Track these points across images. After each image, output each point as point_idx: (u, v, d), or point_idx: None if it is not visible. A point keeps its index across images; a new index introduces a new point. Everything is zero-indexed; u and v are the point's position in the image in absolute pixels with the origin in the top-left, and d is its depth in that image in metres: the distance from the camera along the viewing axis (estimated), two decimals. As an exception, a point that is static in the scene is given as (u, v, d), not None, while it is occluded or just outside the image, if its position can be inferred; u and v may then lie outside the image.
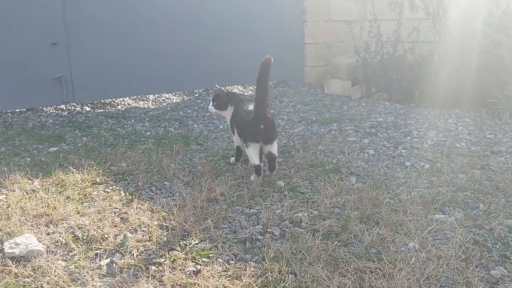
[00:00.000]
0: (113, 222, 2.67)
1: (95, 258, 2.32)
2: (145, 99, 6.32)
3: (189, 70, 6.24)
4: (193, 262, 2.29)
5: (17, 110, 5.35)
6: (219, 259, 2.32)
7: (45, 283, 2.10)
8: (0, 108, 5.20)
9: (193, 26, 6.26)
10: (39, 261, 2.25)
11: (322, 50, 7.46)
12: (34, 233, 2.51)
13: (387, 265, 2.20)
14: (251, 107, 3.34)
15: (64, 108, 5.59)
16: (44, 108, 5.50)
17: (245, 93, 6.88)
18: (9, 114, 5.25)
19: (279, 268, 2.20)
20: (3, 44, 5.02)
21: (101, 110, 5.67)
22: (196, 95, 6.61)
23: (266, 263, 2.23)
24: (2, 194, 3.06)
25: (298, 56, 7.41)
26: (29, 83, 5.25)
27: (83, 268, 2.22)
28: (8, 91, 5.14)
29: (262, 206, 2.91)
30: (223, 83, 6.88)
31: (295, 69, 7.44)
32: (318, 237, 2.49)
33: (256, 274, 2.17)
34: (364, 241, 2.45)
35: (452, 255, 2.27)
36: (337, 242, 2.46)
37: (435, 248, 2.36)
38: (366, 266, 2.20)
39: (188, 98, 6.50)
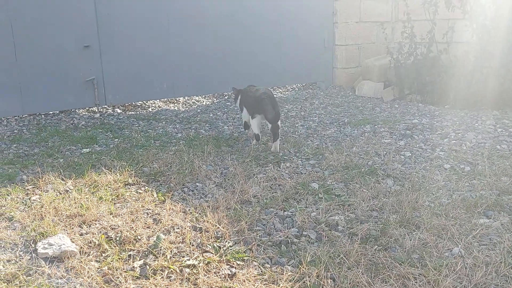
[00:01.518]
0: (146, 223, 2.64)
1: (128, 259, 2.28)
2: (175, 101, 6.32)
3: (219, 72, 6.21)
4: (228, 265, 2.23)
5: (51, 112, 5.41)
6: (254, 262, 2.25)
7: (78, 285, 2.08)
8: (34, 110, 5.27)
9: (224, 28, 6.23)
10: (72, 262, 2.23)
11: (353, 52, 7.34)
12: (67, 233, 2.50)
13: (432, 271, 2.09)
14: (257, 88, 4.22)
15: (96, 110, 5.63)
16: (77, 111, 5.55)
17: (275, 95, 6.80)
18: (43, 116, 5.31)
19: (317, 273, 2.11)
20: (37, 48, 5.08)
21: (132, 112, 5.68)
22: (226, 97, 6.58)
23: (303, 267, 2.15)
24: (36, 194, 3.07)
25: (328, 57, 7.31)
26: (62, 86, 5.31)
27: (116, 270, 2.18)
28: (42, 93, 5.20)
29: (296, 208, 2.83)
30: (254, 85, 6.87)
31: (325, 71, 7.34)
32: (356, 241, 2.39)
33: (294, 279, 2.10)
34: (405, 246, 2.35)
35: (501, 262, 2.15)
36: (376, 246, 2.36)
37: (482, 254, 2.24)
38: (409, 272, 2.10)
39: (218, 100, 6.48)
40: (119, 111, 5.73)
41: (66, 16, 5.20)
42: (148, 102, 6.14)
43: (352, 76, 7.39)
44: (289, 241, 2.45)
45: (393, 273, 2.10)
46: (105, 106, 5.72)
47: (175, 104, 6.23)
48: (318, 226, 2.61)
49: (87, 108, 5.62)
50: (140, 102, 6.04)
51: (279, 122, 3.97)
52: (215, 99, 6.53)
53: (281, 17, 6.67)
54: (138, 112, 5.71)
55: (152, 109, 5.91)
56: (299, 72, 7.06)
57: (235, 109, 5.69)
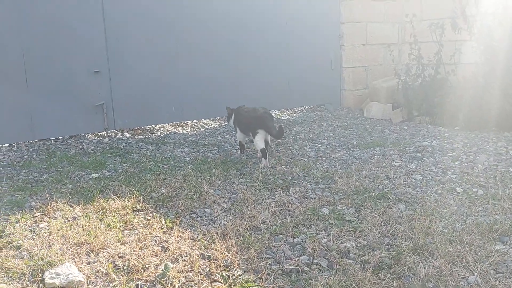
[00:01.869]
0: (153, 251, 2.60)
1: (136, 289, 2.25)
2: (184, 124, 6.34)
3: (227, 95, 6.23)
4: (238, 294, 2.19)
5: (60, 137, 5.43)
6: (265, 292, 2.20)
7: (86, 316, 2.04)
8: (44, 136, 5.29)
9: (232, 51, 6.27)
10: (80, 292, 2.20)
11: (360, 74, 7.35)
12: (75, 262, 2.47)
13: (447, 301, 2.03)
14: (254, 108, 4.51)
15: (105, 134, 5.65)
16: (86, 135, 5.57)
17: (282, 118, 6.81)
18: (52, 141, 5.33)
19: (329, 303, 2.06)
20: (48, 74, 5.13)
21: (141, 137, 5.69)
22: (234, 120, 6.57)
23: (314, 297, 2.11)
24: (44, 221, 3.05)
25: (335, 79, 7.33)
26: (72, 111, 5.34)
27: (124, 300, 2.14)
28: (52, 119, 5.23)
29: (306, 235, 2.79)
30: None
31: (333, 93, 7.34)
32: (369, 269, 2.34)
33: (305, 309, 2.04)
34: (419, 274, 2.29)
35: (519, 291, 2.09)
36: (389, 275, 2.30)
37: (499, 282, 2.18)
38: (423, 302, 2.04)
39: (226, 123, 6.47)
40: (128, 135, 5.75)
41: (76, 42, 5.26)
42: (157, 126, 6.15)
43: (360, 97, 7.38)
44: (300, 270, 2.40)
45: (407, 303, 2.04)
46: (114, 130, 5.74)
47: (184, 128, 6.24)
48: (329, 253, 2.56)
49: (96, 132, 5.64)
50: (149, 126, 6.06)
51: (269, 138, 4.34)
52: (223, 122, 6.53)
53: (287, 40, 6.71)
54: (146, 136, 5.72)
55: (160, 133, 5.92)
56: (306, 94, 7.07)
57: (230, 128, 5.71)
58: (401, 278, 2.29)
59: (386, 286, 2.20)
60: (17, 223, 3.00)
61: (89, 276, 2.33)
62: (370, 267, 2.37)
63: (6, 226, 2.94)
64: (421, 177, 3.79)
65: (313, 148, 4.96)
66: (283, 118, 6.82)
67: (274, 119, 4.44)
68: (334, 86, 7.34)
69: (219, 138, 5.56)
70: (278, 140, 4.60)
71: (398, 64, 7.16)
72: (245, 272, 2.38)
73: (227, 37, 6.20)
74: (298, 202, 3.33)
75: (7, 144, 5.15)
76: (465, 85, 6.09)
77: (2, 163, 4.54)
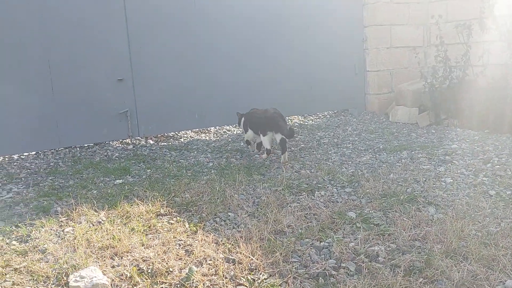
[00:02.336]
0: (177, 255, 2.57)
1: (160, 293, 2.21)
2: (206, 131, 6.33)
3: (249, 101, 6.17)
4: (263, 299, 2.13)
5: (85, 145, 5.48)
6: (291, 296, 2.14)
7: (110, 319, 2.01)
8: (70, 143, 5.35)
9: (254, 57, 6.25)
10: (104, 295, 2.17)
11: (385, 77, 7.23)
12: (99, 265, 2.45)
13: (484, 306, 1.94)
14: (265, 109, 4.77)
15: (129, 142, 5.68)
16: (111, 142, 5.61)
17: (305, 123, 6.73)
18: (78, 149, 5.38)
19: (358, 308, 1.99)
20: (73, 82, 5.19)
21: (165, 143, 5.70)
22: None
23: (343, 301, 2.03)
24: (69, 226, 3.05)
25: (360, 84, 7.23)
26: (96, 119, 5.39)
27: (148, 304, 2.11)
28: (78, 126, 5.28)
29: (333, 239, 2.71)
30: (283, 113, 6.82)
31: (357, 97, 7.25)
32: (399, 273, 2.25)
33: (333, 314, 1.97)
34: (453, 278, 2.19)
35: (560, 296, 1.97)
36: (422, 279, 2.21)
37: (538, 287, 2.06)
38: (458, 307, 1.95)
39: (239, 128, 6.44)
40: (151, 142, 5.76)
41: (101, 51, 5.31)
42: (180, 132, 6.16)
43: (385, 102, 7.26)
44: (327, 274, 2.33)
45: (441, 308, 1.95)
46: (138, 138, 5.77)
47: (207, 134, 6.23)
48: (357, 257, 2.48)
49: (120, 140, 5.68)
50: (172, 133, 6.07)
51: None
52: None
53: (310, 45, 6.66)
54: (170, 143, 5.73)
55: (184, 140, 5.92)
56: (330, 99, 6.99)
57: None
58: (434, 282, 2.20)
59: (418, 291, 2.11)
60: (42, 227, 3.00)
61: (113, 280, 2.31)
62: (401, 271, 2.28)
63: (32, 231, 2.95)
64: (451, 180, 3.68)
65: (338, 152, 4.88)
66: (306, 123, 6.75)
67: (288, 122, 4.78)
68: (358, 90, 7.24)
69: (242, 144, 5.52)
70: (289, 139, 4.70)
71: (424, 67, 7.03)
72: (270, 276, 2.32)
73: (249, 42, 6.18)
74: (324, 206, 3.25)
75: (34, 152, 5.21)
76: (494, 86, 5.93)
77: (29, 170, 4.60)
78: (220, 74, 6.03)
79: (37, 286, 2.29)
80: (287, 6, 6.43)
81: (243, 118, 4.98)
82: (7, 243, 2.80)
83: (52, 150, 5.27)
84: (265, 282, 2.26)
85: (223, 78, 6.05)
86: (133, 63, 5.49)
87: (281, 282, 2.26)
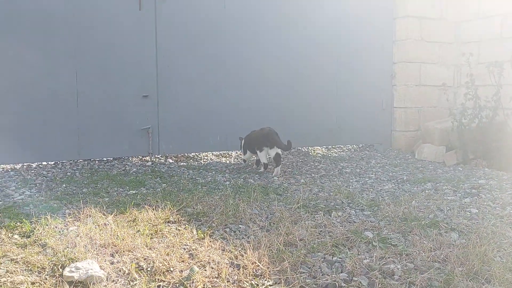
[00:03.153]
0: (181, 257, 2.44)
1: (157, 290, 2.08)
2: (227, 155, 6.26)
3: (273, 128, 6.13)
4: (265, 303, 1.98)
5: (104, 159, 5.47)
6: (296, 304, 1.98)
7: (100, 310, 1.89)
8: (89, 156, 5.35)
9: (281, 87, 6.22)
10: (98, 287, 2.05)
11: (412, 115, 7.09)
12: (98, 260, 2.34)
13: (508, 325, 1.74)
14: (260, 128, 5.16)
15: (149, 159, 5.64)
16: (130, 158, 5.59)
17: (329, 155, 6.60)
18: (96, 162, 5.37)
19: (367, 318, 1.81)
20: (98, 96, 5.24)
21: (184, 163, 5.64)
22: (279, 154, 6.44)
23: (351, 310, 1.86)
24: (75, 225, 2.97)
25: (386, 120, 7.09)
26: (118, 133, 5.39)
27: (143, 299, 1.98)
28: (98, 140, 5.29)
29: (347, 254, 2.55)
30: (306, 143, 6.73)
31: (383, 133, 7.10)
32: (415, 289, 2.08)
33: (339, 322, 1.80)
34: (474, 299, 2.00)
35: None
36: (439, 297, 2.03)
37: None
38: (479, 325, 1.76)
39: (269, 156, 6.33)
40: (171, 161, 5.72)
41: (129, 67, 5.37)
42: (201, 155, 6.11)
43: (412, 139, 7.08)
44: (337, 285, 2.16)
45: (460, 325, 1.76)
46: (158, 156, 5.73)
47: (227, 158, 6.15)
48: (371, 272, 2.31)
49: (140, 156, 5.65)
50: (192, 154, 6.03)
51: (279, 151, 4.93)
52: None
53: (337, 77, 6.61)
54: (189, 163, 5.67)
55: (203, 162, 5.86)
56: (355, 133, 6.86)
57: (287, 164, 5.58)
58: (452, 301, 2.01)
59: (435, 308, 1.93)
60: (47, 225, 2.93)
61: (110, 274, 2.20)
62: (417, 288, 2.10)
63: (36, 227, 2.87)
64: (477, 211, 3.48)
65: (359, 181, 4.72)
66: (329, 155, 6.61)
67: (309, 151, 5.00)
68: (385, 126, 7.10)
69: (262, 168, 5.41)
70: (287, 151, 5.35)
71: (453, 107, 6.87)
72: (276, 283, 2.17)
73: (275, 73, 6.16)
74: (340, 225, 3.09)
75: (53, 162, 5.22)
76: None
77: (45, 177, 4.58)
78: (245, 100, 6.01)
79: (30, 276, 2.19)
80: (317, 39, 6.43)
81: (243, 141, 5.36)
82: (9, 237, 2.73)
83: (70, 162, 5.27)
84: (270, 288, 2.11)
85: (248, 104, 6.02)
86: (160, 81, 5.52)
87: (286, 290, 2.10)
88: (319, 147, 6.92)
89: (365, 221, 3.19)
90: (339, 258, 2.52)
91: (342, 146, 7.14)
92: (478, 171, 5.39)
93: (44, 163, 5.21)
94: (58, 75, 5.06)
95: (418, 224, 3.08)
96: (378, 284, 2.18)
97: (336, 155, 6.67)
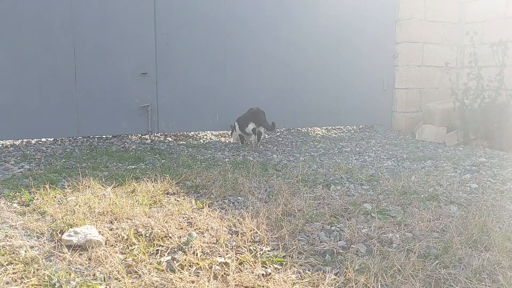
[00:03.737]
0: (179, 225, 2.44)
1: (156, 254, 2.08)
2: (227, 135, 6.24)
3: (272, 108, 6.09)
4: (263, 267, 1.97)
5: (103, 136, 5.46)
6: (294, 268, 1.98)
7: (98, 272, 1.89)
8: (88, 133, 5.32)
9: (281, 66, 6.17)
10: (96, 251, 2.05)
11: (413, 96, 7.05)
12: (96, 227, 2.34)
13: (506, 287, 1.74)
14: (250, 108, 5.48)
15: (148, 137, 5.63)
16: (129, 136, 5.58)
17: (328, 135, 6.58)
18: (96, 139, 5.36)
19: (365, 280, 1.81)
20: (96, 72, 5.20)
21: (183, 142, 5.63)
22: (278, 133, 6.43)
23: (349, 273, 1.86)
24: (73, 196, 2.97)
25: (387, 101, 7.05)
26: (117, 111, 5.36)
27: (141, 262, 1.98)
28: (97, 117, 5.27)
29: (345, 224, 2.54)
30: (306, 124, 6.71)
31: (384, 114, 7.06)
32: (413, 257, 2.07)
33: (337, 284, 1.80)
34: (472, 265, 2.00)
35: None
36: (437, 263, 2.02)
37: None
38: (477, 287, 1.75)
39: (269, 136, 6.33)
40: (170, 139, 5.70)
41: (127, 44, 5.33)
42: (200, 134, 6.09)
43: (412, 120, 7.06)
44: (335, 251, 2.16)
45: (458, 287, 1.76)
46: (157, 134, 5.72)
47: (227, 138, 6.14)
48: (370, 240, 2.31)
49: (139, 135, 5.64)
50: (192, 133, 6.01)
51: (262, 130, 5.33)
52: (266, 135, 6.38)
53: (338, 57, 6.55)
54: (188, 142, 5.65)
55: (203, 141, 5.84)
56: (355, 114, 6.83)
57: (286, 144, 5.57)
58: (449, 267, 2.00)
59: (433, 273, 1.92)
60: (46, 195, 2.92)
61: (108, 239, 2.19)
62: (415, 255, 2.10)
63: (35, 197, 2.87)
64: (477, 186, 3.47)
65: (359, 159, 4.71)
66: (329, 135, 6.60)
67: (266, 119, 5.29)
68: (385, 107, 7.06)
69: (261, 147, 5.40)
70: (271, 132, 5.73)
71: (456, 87, 6.82)
72: (274, 249, 2.17)
73: (276, 51, 6.11)
74: (339, 198, 3.09)
75: (52, 138, 5.21)
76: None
77: (44, 153, 4.57)
78: (246, 79, 5.97)
79: (29, 241, 2.19)
80: (319, 18, 6.36)
81: (235, 123, 5.56)
82: (8, 205, 2.73)
83: (69, 138, 5.26)
84: (268, 253, 2.11)
85: (249, 83, 5.99)
86: (158, 59, 5.48)
87: (284, 255, 2.10)
88: (318, 128, 6.91)
89: (364, 194, 3.18)
90: (338, 227, 2.51)
91: (342, 127, 7.12)
92: (479, 151, 5.37)
93: (44, 139, 5.20)
94: (56, 49, 5.01)
95: (417, 197, 3.07)
96: (377, 250, 2.18)
97: (336, 135, 6.65)
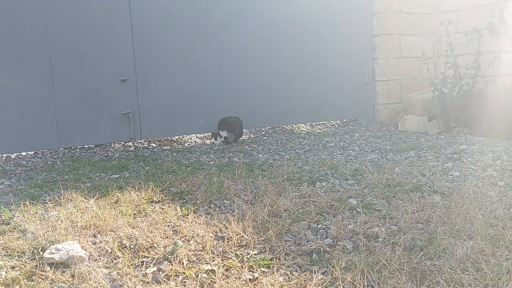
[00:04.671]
0: (165, 234, 2.42)
1: (141, 265, 2.06)
2: (212, 137, 6.21)
3: (256, 108, 6.10)
4: (250, 271, 1.97)
5: (86, 146, 5.40)
6: (281, 270, 1.97)
7: (83, 289, 1.86)
8: (69, 144, 5.26)
9: (263, 66, 6.16)
10: (80, 268, 2.03)
11: (394, 87, 7.09)
12: (79, 241, 2.31)
13: (489, 275, 1.75)
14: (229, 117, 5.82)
15: (131, 144, 5.58)
16: (112, 144, 5.53)
17: (313, 131, 6.60)
18: (78, 149, 5.30)
19: (352, 278, 1.82)
20: (74, 81, 5.13)
21: (168, 147, 5.60)
22: (263, 132, 6.43)
23: (336, 271, 1.86)
24: (56, 211, 2.93)
25: (369, 93, 7.09)
26: (98, 120, 5.31)
27: (127, 275, 1.96)
28: (78, 127, 5.20)
29: (331, 221, 2.55)
30: (290, 121, 6.71)
31: (366, 107, 7.09)
32: (398, 250, 2.08)
33: (324, 284, 1.80)
34: (457, 254, 2.01)
35: None
36: (422, 254, 2.04)
37: (551, 261, 1.88)
38: (462, 278, 1.77)
39: (254, 135, 6.33)
40: (154, 145, 5.67)
41: (104, 50, 5.27)
42: (185, 137, 6.06)
43: (394, 112, 7.10)
44: (322, 250, 2.17)
45: (442, 279, 1.77)
46: (141, 141, 5.67)
47: (212, 140, 6.11)
48: (356, 236, 2.31)
49: (122, 142, 5.59)
50: (176, 137, 5.98)
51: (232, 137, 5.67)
52: (251, 135, 6.38)
53: (318, 53, 6.56)
54: (173, 147, 5.62)
55: (188, 144, 5.82)
56: (338, 108, 6.85)
57: (271, 143, 5.57)
58: (434, 258, 2.02)
59: (418, 265, 1.94)
60: (27, 211, 2.88)
61: (92, 254, 2.17)
62: (400, 248, 2.11)
63: (16, 214, 2.82)
64: (459, 174, 3.50)
65: (343, 153, 4.73)
66: (313, 131, 6.61)
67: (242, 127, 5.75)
68: (367, 100, 7.09)
69: (247, 147, 5.40)
70: (240, 138, 5.85)
71: (434, 77, 6.88)
72: (261, 252, 2.17)
73: (255, 51, 6.10)
74: (324, 195, 3.09)
75: (32, 152, 5.14)
76: (506, 94, 5.76)
77: (25, 167, 4.51)
78: (228, 80, 5.95)
79: (10, 260, 2.15)
80: (297, 16, 6.36)
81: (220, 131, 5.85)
82: (-12, 225, 2.68)
83: (51, 150, 5.19)
84: (255, 257, 2.10)
85: (230, 84, 5.97)
86: (137, 65, 5.43)
87: (271, 257, 2.10)
88: (303, 124, 6.92)
89: (349, 189, 3.19)
90: (324, 225, 2.52)
91: (326, 122, 7.14)
92: (460, 138, 5.43)
93: (24, 153, 5.13)
94: (31, 61, 4.93)
95: (401, 189, 3.09)
96: (363, 246, 2.19)
97: (320, 131, 6.67)
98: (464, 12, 6.77)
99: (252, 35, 6.06)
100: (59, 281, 1.93)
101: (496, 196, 2.86)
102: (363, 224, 2.47)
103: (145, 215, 2.77)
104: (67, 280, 1.93)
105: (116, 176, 4.00)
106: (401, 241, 2.20)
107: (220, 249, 2.19)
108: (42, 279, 1.94)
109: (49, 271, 2.00)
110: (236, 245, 2.23)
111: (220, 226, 2.48)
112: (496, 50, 6.07)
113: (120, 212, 2.79)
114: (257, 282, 1.84)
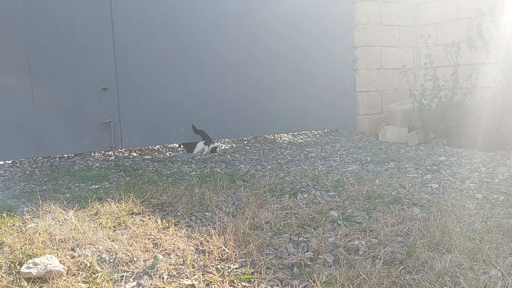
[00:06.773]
0: (145, 247, 2.40)
1: (121, 280, 2.04)
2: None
3: (237, 117, 6.11)
4: (231, 286, 1.96)
5: (65, 155, 5.33)
6: (262, 285, 1.97)
7: (61, 304, 1.83)
8: (49, 153, 5.18)
9: (245, 77, 6.18)
10: (58, 283, 2.00)
11: (374, 98, 7.18)
12: (57, 255, 2.27)
13: (468, 290, 1.78)
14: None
15: (112, 153, 5.53)
16: (92, 153, 5.47)
17: (295, 141, 6.63)
18: (57, 158, 5.23)
19: (332, 292, 1.83)
20: (54, 90, 5.06)
21: (149, 156, 5.56)
22: (245, 142, 6.43)
23: (316, 286, 1.87)
24: (34, 222, 2.88)
25: (350, 104, 7.16)
26: (78, 128, 5.24)
27: (106, 290, 1.93)
28: (58, 136, 5.13)
29: (312, 234, 2.56)
30: (272, 131, 6.73)
31: (347, 117, 7.16)
32: (379, 263, 2.10)
33: (305, 299, 1.81)
34: (435, 268, 2.04)
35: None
36: (402, 268, 2.06)
37: (527, 274, 1.91)
38: (440, 292, 1.79)
39: (236, 145, 6.33)
40: (135, 154, 5.62)
41: (85, 59, 5.22)
42: (166, 147, 6.02)
43: (375, 122, 7.18)
44: (303, 264, 2.17)
45: (422, 293, 1.80)
46: (121, 150, 5.62)
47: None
48: (336, 249, 2.33)
49: (103, 151, 5.53)
50: (157, 146, 5.94)
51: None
52: (233, 144, 6.38)
53: (300, 65, 6.61)
54: (154, 156, 5.59)
55: (169, 154, 5.78)
56: (320, 119, 6.90)
57: (253, 152, 5.58)
58: (413, 272, 2.04)
59: (398, 279, 1.95)
60: (4, 224, 2.82)
61: (70, 268, 2.13)
62: (381, 262, 2.13)
63: (-7, 227, 2.77)
64: (438, 186, 3.56)
65: (325, 164, 4.76)
66: (295, 141, 6.64)
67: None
68: (348, 111, 7.16)
69: (228, 157, 5.39)
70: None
71: (414, 88, 6.99)
72: (242, 266, 2.16)
73: (238, 60, 6.12)
74: (306, 206, 3.11)
75: (10, 161, 5.05)
76: (483, 106, 5.88)
77: (2, 177, 4.42)
78: (210, 89, 5.94)
79: (-12, 275, 2.11)
80: (278, 28, 6.40)
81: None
82: (-37, 239, 2.62)
83: (29, 159, 5.11)
84: (236, 271, 2.10)
85: (213, 94, 5.96)
86: (118, 73, 5.40)
87: (252, 271, 2.09)
88: (285, 134, 6.95)
89: (330, 201, 3.21)
90: (305, 238, 2.53)
91: (307, 132, 7.18)
92: (439, 149, 5.52)
93: (1, 162, 5.03)
94: (10, 69, 4.87)
95: (381, 201, 3.12)
96: (343, 260, 2.20)
97: (302, 141, 6.70)
98: (443, 25, 6.91)
99: (234, 45, 6.08)
100: (36, 297, 1.89)
101: (474, 209, 2.91)
102: (344, 237, 2.49)
103: (125, 228, 2.74)
104: (44, 296, 1.90)
105: (96, 186, 3.95)
106: (381, 254, 2.22)
107: (201, 263, 2.18)
108: (19, 295, 1.91)
109: (26, 286, 1.96)
110: (217, 259, 2.22)
111: (201, 239, 2.47)
112: (474, 62, 6.20)
113: (99, 225, 2.75)
114: (238, 297, 1.84)
